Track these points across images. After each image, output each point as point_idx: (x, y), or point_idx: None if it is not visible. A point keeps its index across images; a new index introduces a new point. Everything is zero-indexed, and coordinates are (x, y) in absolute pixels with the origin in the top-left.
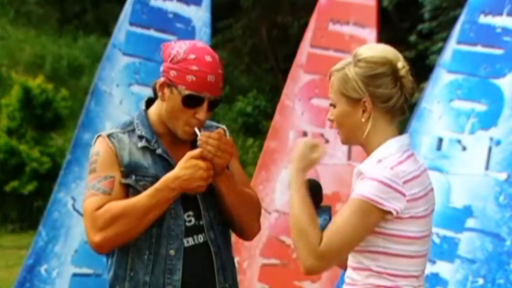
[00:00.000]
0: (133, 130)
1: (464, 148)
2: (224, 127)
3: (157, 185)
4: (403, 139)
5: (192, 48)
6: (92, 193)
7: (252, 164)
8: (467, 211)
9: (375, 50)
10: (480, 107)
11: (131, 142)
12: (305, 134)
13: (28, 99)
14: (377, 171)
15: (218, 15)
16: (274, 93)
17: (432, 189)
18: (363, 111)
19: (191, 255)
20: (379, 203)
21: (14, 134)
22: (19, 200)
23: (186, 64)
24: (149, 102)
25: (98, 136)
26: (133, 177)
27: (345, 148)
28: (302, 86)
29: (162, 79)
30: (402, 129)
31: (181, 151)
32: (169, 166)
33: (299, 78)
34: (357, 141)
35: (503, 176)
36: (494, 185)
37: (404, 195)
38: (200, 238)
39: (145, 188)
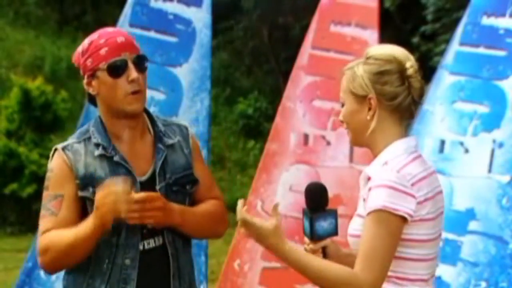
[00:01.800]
0: (89, 138)
1: (466, 151)
2: (185, 123)
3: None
4: (409, 140)
5: (93, 33)
6: (43, 214)
7: (253, 166)
8: (470, 214)
9: (385, 49)
10: (483, 109)
11: (87, 151)
12: (306, 136)
13: (27, 101)
14: (383, 176)
15: (218, 16)
16: (275, 95)
17: (441, 192)
18: (369, 109)
19: (149, 260)
20: (393, 209)
21: (13, 136)
22: (18, 203)
23: (94, 45)
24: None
25: (55, 150)
26: (90, 189)
27: (346, 150)
28: (303, 88)
29: (85, 79)
30: None
31: (142, 155)
32: (128, 173)
33: (300, 80)
34: (364, 141)
35: (506, 178)
36: (497, 187)
37: (414, 197)
38: (160, 240)
39: None
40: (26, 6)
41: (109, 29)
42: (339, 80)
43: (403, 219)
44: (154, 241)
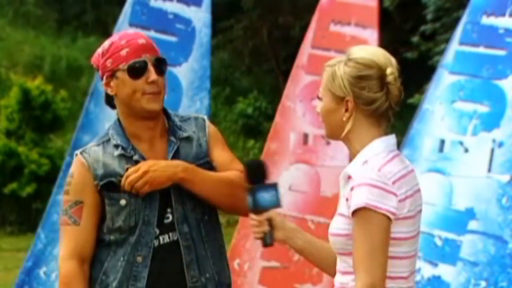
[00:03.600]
0: (108, 140)
1: (466, 150)
2: (203, 116)
3: None
4: (388, 139)
5: (113, 35)
6: (65, 220)
7: None
8: (470, 214)
9: (367, 52)
10: (483, 109)
11: (106, 153)
12: (306, 135)
13: (27, 101)
14: (364, 175)
15: (218, 15)
16: (275, 94)
17: (419, 190)
18: (346, 110)
19: (162, 255)
20: (375, 206)
21: (13, 136)
22: (18, 202)
23: (115, 46)
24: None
25: (76, 154)
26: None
27: (346, 150)
28: (303, 87)
29: (104, 80)
30: (404, 130)
31: (161, 153)
32: None
33: (300, 79)
34: (340, 138)
35: (505, 178)
36: (497, 187)
37: (395, 195)
38: (176, 234)
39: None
40: (26, 5)
41: (130, 32)
42: None
43: (386, 217)
44: (169, 237)
